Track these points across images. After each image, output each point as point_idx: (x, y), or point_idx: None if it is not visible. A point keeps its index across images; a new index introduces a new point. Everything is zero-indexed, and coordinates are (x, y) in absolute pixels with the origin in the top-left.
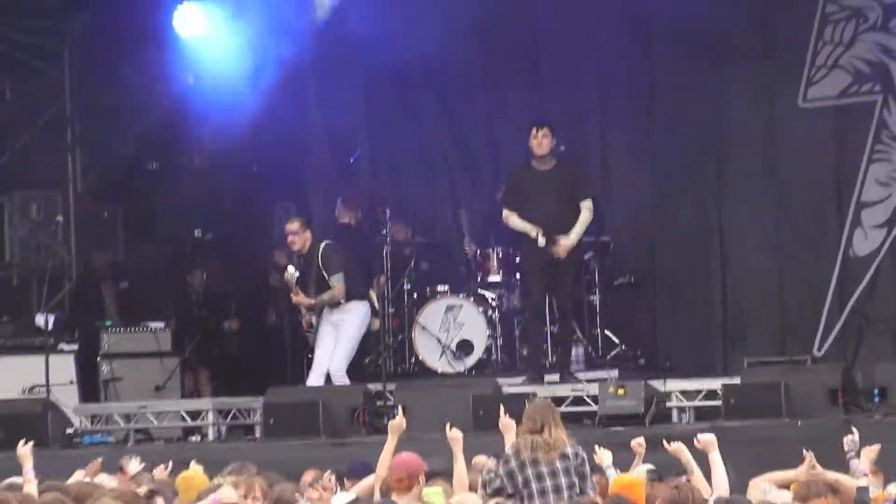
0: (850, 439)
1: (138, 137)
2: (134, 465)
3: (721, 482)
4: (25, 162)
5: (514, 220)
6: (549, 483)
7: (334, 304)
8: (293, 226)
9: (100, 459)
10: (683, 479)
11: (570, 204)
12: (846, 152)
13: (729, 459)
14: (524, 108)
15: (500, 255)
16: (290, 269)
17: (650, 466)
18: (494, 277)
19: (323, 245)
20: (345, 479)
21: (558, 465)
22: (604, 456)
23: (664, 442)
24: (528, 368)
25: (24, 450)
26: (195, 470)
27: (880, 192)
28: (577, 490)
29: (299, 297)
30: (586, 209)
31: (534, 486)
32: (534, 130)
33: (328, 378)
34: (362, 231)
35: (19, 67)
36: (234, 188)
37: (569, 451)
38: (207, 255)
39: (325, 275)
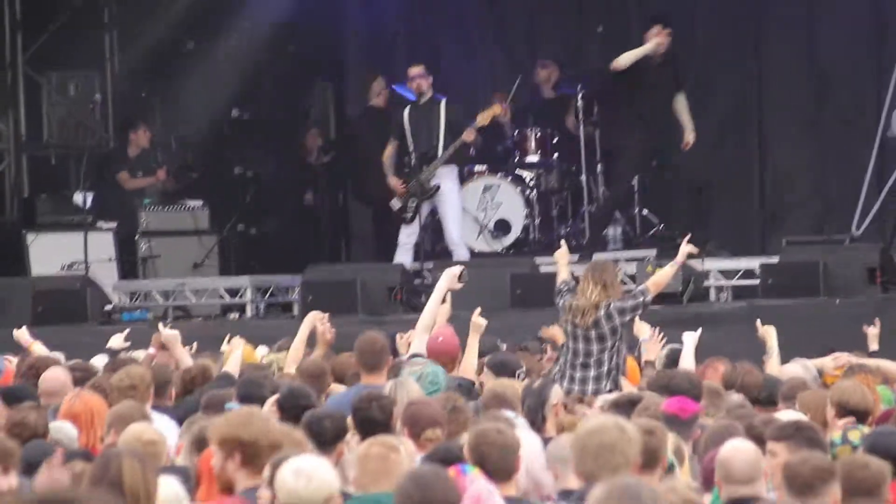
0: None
1: (175, 17)
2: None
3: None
4: (63, 42)
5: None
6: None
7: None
8: (419, 69)
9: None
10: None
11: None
12: (888, 32)
13: None
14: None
15: (538, 136)
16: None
17: (673, 346)
18: (532, 157)
19: (446, 100)
20: None
21: (593, 334)
22: (641, 328)
23: (758, 323)
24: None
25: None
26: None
27: None
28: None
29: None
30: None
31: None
32: (657, 28)
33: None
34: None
35: None
36: (271, 68)
37: (600, 315)
38: (245, 135)
39: (453, 130)
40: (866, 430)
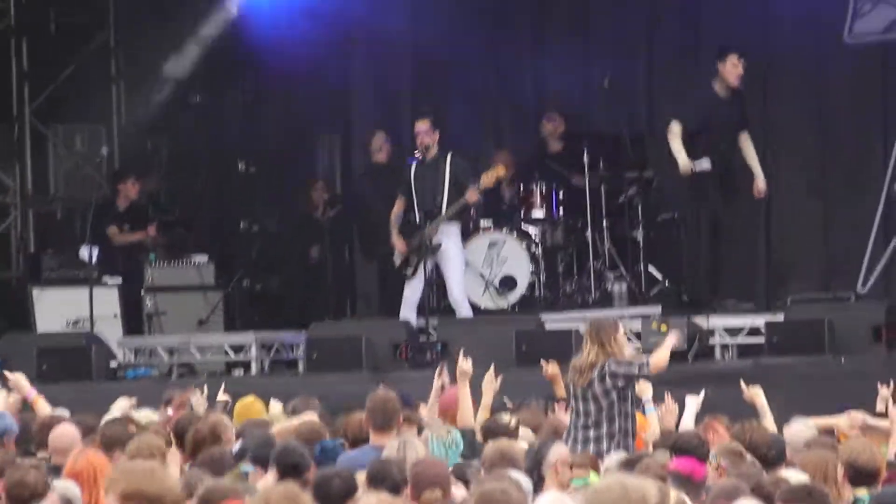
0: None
1: (182, 71)
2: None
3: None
4: (70, 94)
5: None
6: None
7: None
8: (424, 124)
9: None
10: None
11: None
12: (892, 88)
13: (771, 397)
14: (568, 46)
15: (544, 191)
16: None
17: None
18: (538, 213)
19: (452, 154)
20: None
21: (589, 394)
22: (643, 389)
23: (742, 384)
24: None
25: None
26: (253, 398)
27: None
28: (607, 433)
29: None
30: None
31: (573, 420)
32: (734, 58)
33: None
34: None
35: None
36: (277, 121)
37: (594, 376)
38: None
39: (458, 185)
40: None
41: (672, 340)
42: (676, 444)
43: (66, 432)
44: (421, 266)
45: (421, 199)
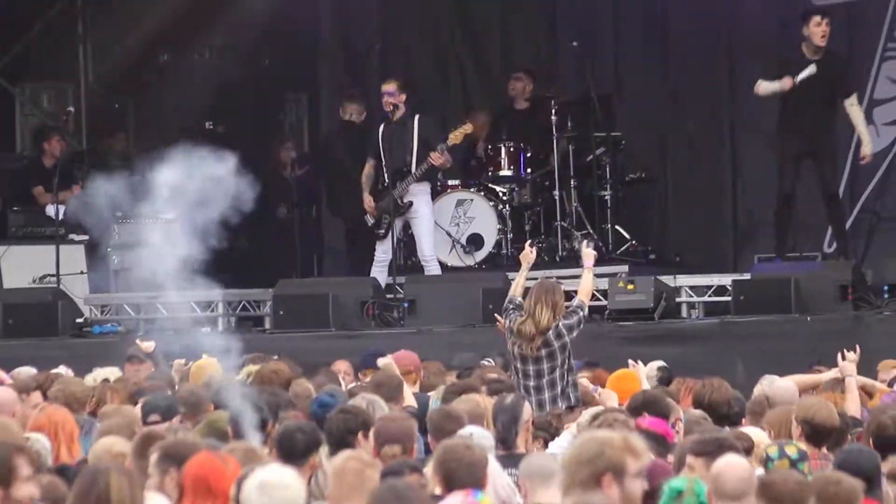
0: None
1: (149, 29)
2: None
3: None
4: (37, 54)
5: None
6: (532, 383)
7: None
8: (391, 86)
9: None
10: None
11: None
12: (858, 49)
13: (738, 355)
14: (538, 8)
15: (511, 150)
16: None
17: (661, 363)
18: (505, 171)
19: (419, 115)
20: (358, 372)
21: (543, 353)
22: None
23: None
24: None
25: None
26: (208, 359)
27: (892, 90)
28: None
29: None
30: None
31: (521, 382)
32: (818, 18)
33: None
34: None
35: None
36: (245, 81)
37: (550, 336)
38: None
39: (426, 146)
40: (803, 445)
41: (589, 263)
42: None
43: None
44: (394, 227)
45: (389, 160)
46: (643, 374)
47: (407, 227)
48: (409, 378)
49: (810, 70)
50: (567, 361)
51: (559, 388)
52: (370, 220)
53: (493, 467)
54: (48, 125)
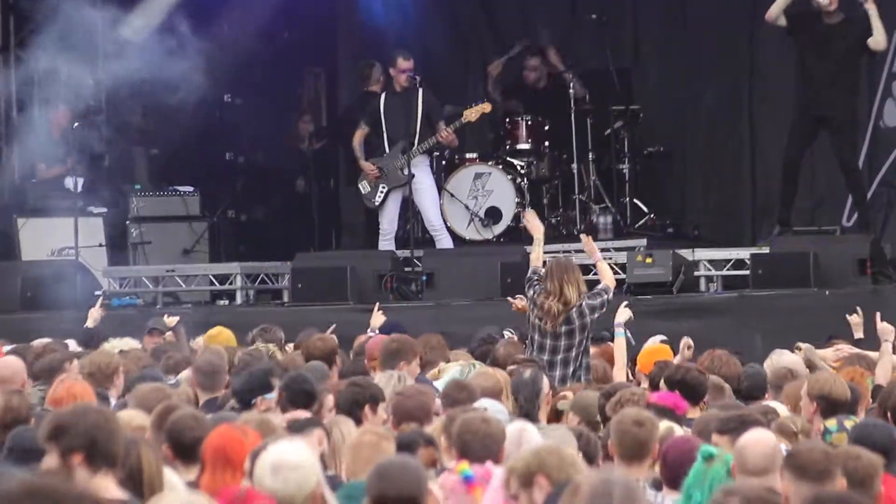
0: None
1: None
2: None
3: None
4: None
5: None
6: (546, 357)
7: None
8: (409, 62)
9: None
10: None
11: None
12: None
13: (757, 329)
14: None
15: (529, 123)
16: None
17: (663, 336)
18: (523, 145)
19: (422, 88)
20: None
21: (563, 329)
22: (620, 313)
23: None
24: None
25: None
26: (221, 329)
27: None
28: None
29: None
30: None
31: (535, 355)
32: None
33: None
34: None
35: None
36: (263, 54)
37: (572, 314)
38: (237, 121)
39: (430, 119)
40: (857, 420)
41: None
42: (671, 378)
43: (8, 364)
44: (391, 195)
45: (393, 131)
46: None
47: (407, 202)
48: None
49: None
50: (584, 342)
51: (571, 369)
52: (365, 188)
53: (527, 436)
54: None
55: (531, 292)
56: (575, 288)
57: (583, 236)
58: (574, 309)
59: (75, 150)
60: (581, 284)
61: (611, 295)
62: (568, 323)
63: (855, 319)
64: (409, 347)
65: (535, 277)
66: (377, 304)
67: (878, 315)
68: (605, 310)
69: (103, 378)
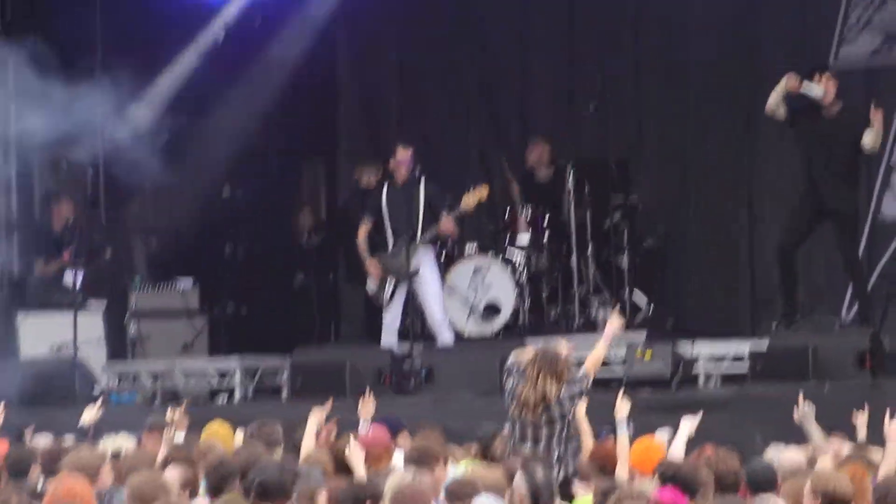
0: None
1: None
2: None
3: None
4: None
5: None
6: (528, 445)
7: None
8: (408, 152)
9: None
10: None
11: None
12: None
13: (756, 423)
14: (555, 71)
15: (529, 215)
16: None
17: (669, 429)
18: (523, 239)
19: (425, 179)
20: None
21: (543, 419)
22: (620, 408)
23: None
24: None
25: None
26: (221, 423)
27: None
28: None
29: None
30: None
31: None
32: (817, 75)
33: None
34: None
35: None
36: (262, 146)
37: (551, 404)
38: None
39: (433, 210)
40: None
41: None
42: (665, 473)
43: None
44: (398, 291)
45: (396, 224)
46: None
47: (410, 294)
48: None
49: (819, 90)
50: (566, 430)
51: (555, 456)
52: (372, 288)
53: None
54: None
55: (510, 383)
56: (553, 381)
57: (615, 313)
58: (554, 400)
59: (75, 243)
60: (563, 377)
61: (590, 382)
62: (547, 413)
63: (861, 419)
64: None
65: (515, 369)
66: (367, 389)
67: (888, 412)
68: (583, 397)
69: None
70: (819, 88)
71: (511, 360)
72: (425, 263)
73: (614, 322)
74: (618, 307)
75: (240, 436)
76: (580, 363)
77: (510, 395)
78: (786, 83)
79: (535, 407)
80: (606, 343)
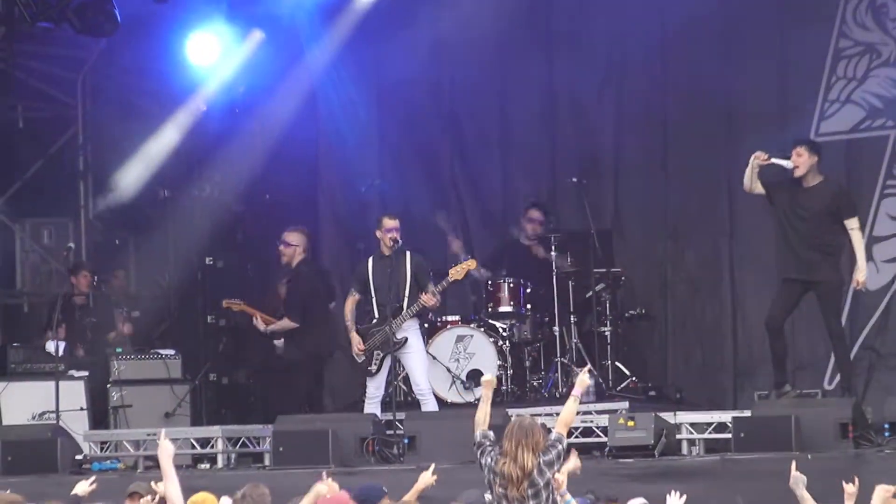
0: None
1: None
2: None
3: None
4: (37, 189)
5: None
6: None
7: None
8: (395, 221)
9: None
10: None
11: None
12: (858, 187)
13: (739, 493)
14: (536, 144)
15: (511, 286)
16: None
17: (643, 500)
18: (505, 307)
19: (410, 251)
20: None
21: (528, 493)
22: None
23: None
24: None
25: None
26: (206, 495)
27: (892, 227)
28: None
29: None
30: (857, 230)
31: None
32: (799, 149)
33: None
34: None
35: (32, 95)
36: (245, 217)
37: (535, 477)
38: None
39: (418, 282)
40: None
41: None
42: None
43: None
44: (385, 362)
45: (382, 296)
46: None
47: (399, 363)
48: None
49: (787, 162)
50: (550, 497)
51: None
52: (359, 359)
53: None
54: (79, 260)
55: (487, 459)
56: (531, 452)
57: (584, 372)
58: (534, 470)
59: (57, 312)
60: (539, 446)
61: (564, 444)
62: (532, 485)
63: (850, 489)
64: None
65: (487, 442)
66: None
67: (855, 479)
68: (561, 460)
69: None
70: (787, 162)
71: (478, 435)
72: (411, 334)
73: (583, 380)
74: (587, 367)
75: (226, 501)
76: (551, 429)
77: (489, 471)
78: (752, 160)
79: (519, 482)
80: (575, 401)
